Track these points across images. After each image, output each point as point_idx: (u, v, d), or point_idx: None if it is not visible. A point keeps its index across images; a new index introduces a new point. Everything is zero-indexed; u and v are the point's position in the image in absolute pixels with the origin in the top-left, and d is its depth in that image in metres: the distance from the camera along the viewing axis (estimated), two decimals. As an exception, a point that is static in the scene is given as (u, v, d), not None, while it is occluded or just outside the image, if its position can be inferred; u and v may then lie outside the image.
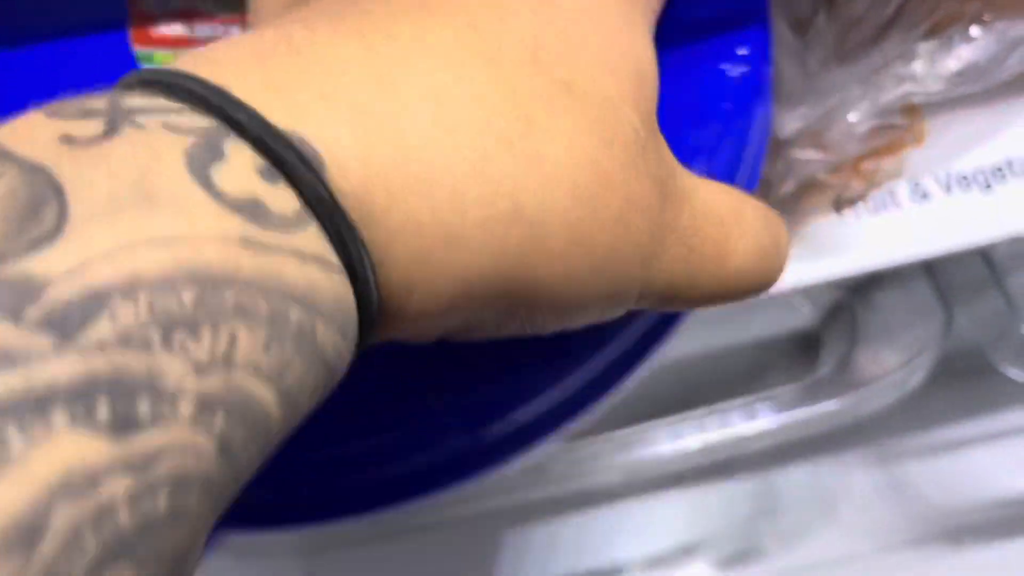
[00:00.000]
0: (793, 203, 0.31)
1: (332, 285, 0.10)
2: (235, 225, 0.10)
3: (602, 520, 0.46)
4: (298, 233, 0.10)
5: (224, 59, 0.11)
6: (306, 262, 0.10)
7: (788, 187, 0.29)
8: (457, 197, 0.11)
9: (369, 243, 0.11)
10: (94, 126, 0.10)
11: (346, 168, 0.11)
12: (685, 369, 0.38)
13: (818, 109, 0.26)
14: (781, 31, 0.26)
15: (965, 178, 0.32)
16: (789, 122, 0.26)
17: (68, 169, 0.09)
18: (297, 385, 0.10)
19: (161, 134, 0.10)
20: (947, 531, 0.47)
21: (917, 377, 0.34)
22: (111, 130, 0.10)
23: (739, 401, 0.34)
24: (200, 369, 0.09)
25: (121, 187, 0.09)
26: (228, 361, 0.09)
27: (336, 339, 0.10)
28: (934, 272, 0.34)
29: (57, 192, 0.09)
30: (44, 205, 0.09)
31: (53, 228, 0.09)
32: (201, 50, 0.11)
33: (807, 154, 0.27)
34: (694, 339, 0.37)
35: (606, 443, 0.35)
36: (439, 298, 0.11)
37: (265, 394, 0.10)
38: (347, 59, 0.11)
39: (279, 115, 0.10)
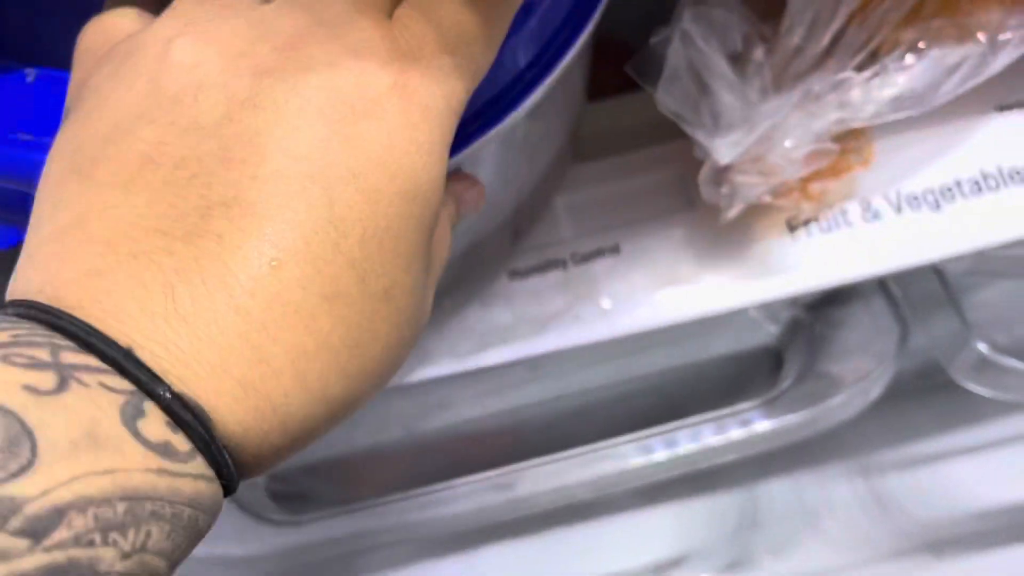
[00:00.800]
0: (746, 225, 0.33)
1: (211, 490, 0.16)
2: (153, 460, 0.15)
3: (589, 533, 0.47)
4: (191, 462, 0.15)
5: (132, 315, 0.16)
6: (196, 480, 0.15)
7: (736, 210, 0.30)
8: (297, 424, 0.17)
9: (236, 457, 0.16)
10: (49, 379, 0.14)
11: (225, 422, 0.16)
12: (651, 385, 0.39)
13: (754, 135, 0.27)
14: (720, 65, 0.27)
15: (915, 198, 0.33)
16: (729, 148, 0.27)
17: (35, 415, 0.14)
18: (182, 553, 0.16)
19: (101, 393, 0.15)
20: (928, 543, 0.48)
21: (875, 390, 0.35)
22: (63, 384, 0.14)
23: (698, 417, 0.35)
24: (125, 556, 0.14)
25: (76, 433, 0.14)
26: (143, 548, 0.15)
27: (210, 519, 0.16)
28: (889, 289, 0.35)
29: (29, 434, 0.14)
30: (20, 444, 0.13)
31: (27, 462, 0.13)
32: (109, 287, 0.16)
33: (750, 179, 0.29)
34: (660, 357, 0.38)
35: (576, 458, 0.36)
36: (280, 459, 0.17)
37: (161, 565, 0.15)
38: (225, 331, 0.16)
39: (180, 382, 0.15)
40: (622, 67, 0.46)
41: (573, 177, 0.34)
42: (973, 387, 0.35)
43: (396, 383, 0.32)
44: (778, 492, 0.50)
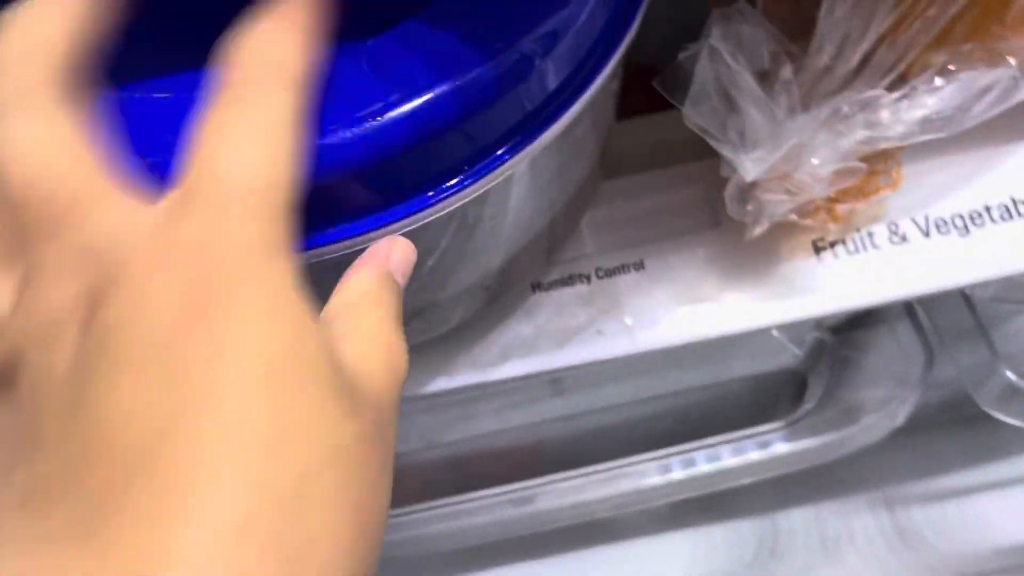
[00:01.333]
0: (771, 245, 0.33)
1: None
2: None
3: (607, 557, 0.47)
4: None
5: None
6: None
7: (762, 228, 0.30)
8: None
9: None
10: None
11: None
12: (673, 405, 0.39)
13: (779, 152, 0.27)
14: (747, 82, 0.27)
15: (944, 222, 0.33)
16: (755, 164, 0.27)
17: None
18: None
19: None
20: (951, 577, 0.47)
21: (900, 416, 0.34)
22: None
23: (720, 438, 0.35)
24: None
25: None
26: None
27: None
28: (916, 315, 0.35)
29: None
30: None
31: None
32: None
33: (776, 196, 0.29)
34: (682, 377, 0.38)
35: (596, 475, 0.36)
36: None
37: None
38: None
39: None
40: (645, 92, 0.47)
41: (599, 193, 0.34)
42: (1001, 416, 0.34)
43: (416, 394, 0.32)
44: (799, 521, 0.49)
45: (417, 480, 0.39)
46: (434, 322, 0.30)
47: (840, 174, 0.28)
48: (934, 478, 0.49)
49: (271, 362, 0.14)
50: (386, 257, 0.20)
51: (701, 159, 0.34)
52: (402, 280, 0.20)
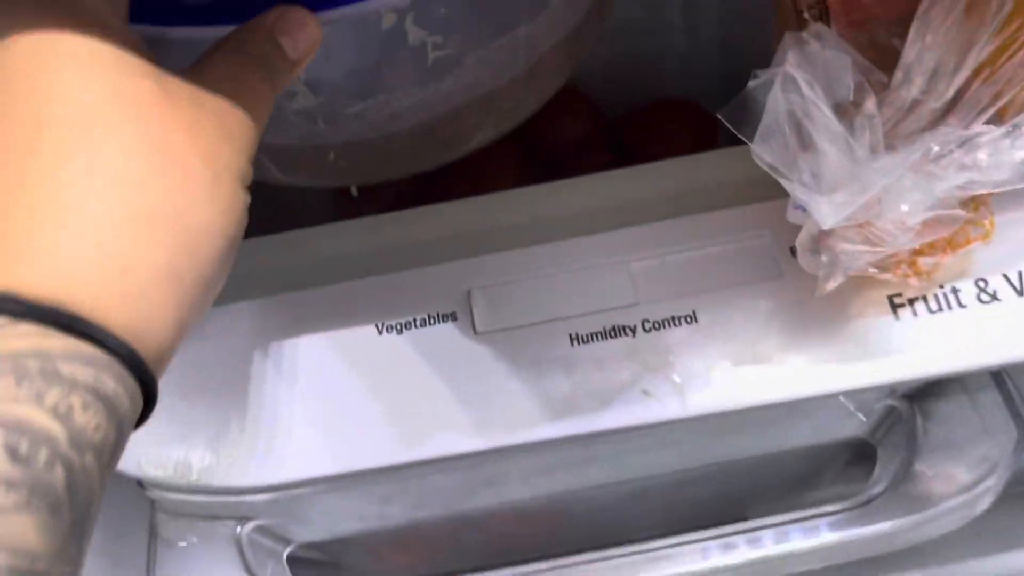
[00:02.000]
0: (842, 300, 0.29)
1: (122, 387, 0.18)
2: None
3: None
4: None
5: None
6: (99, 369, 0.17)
7: (835, 282, 0.26)
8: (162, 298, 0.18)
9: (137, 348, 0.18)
10: None
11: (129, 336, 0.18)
12: (720, 477, 0.35)
13: (864, 197, 0.23)
14: (825, 116, 0.24)
15: (1040, 280, 0.29)
16: (834, 210, 0.24)
17: None
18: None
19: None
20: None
21: (983, 503, 0.30)
22: None
23: (779, 518, 0.31)
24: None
25: None
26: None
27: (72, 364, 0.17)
28: (1005, 384, 0.31)
29: None
30: None
31: None
32: None
33: (854, 247, 0.25)
34: (732, 445, 0.34)
35: (638, 556, 0.32)
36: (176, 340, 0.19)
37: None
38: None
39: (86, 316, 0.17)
40: (691, 128, 0.43)
41: (647, 238, 0.31)
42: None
43: (438, 456, 0.29)
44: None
45: (434, 550, 0.35)
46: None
47: (931, 224, 0.25)
48: (999, 557, 0.44)
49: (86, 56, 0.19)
50: (272, 23, 0.23)
51: (762, 201, 0.31)
52: (288, 46, 0.23)
